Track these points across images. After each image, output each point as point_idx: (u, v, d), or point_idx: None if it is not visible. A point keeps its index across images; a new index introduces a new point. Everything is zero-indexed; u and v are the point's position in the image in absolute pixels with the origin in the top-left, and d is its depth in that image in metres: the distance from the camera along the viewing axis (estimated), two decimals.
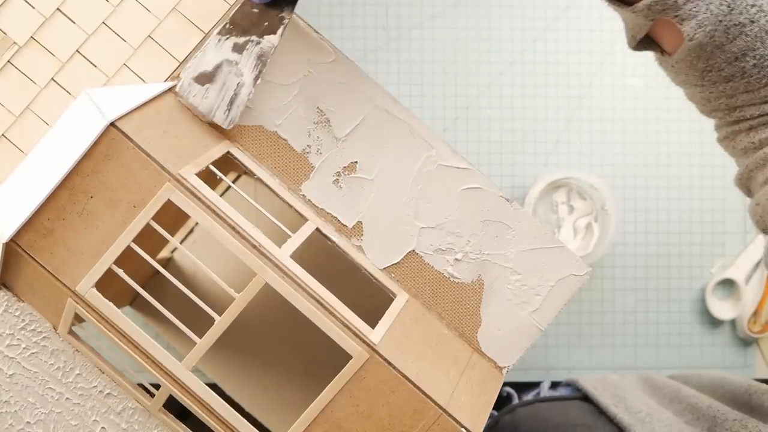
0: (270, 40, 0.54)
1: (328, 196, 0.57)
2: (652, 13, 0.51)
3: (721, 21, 0.50)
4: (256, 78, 0.54)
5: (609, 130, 0.91)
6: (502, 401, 0.83)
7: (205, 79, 0.54)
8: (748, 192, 0.59)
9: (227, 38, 0.55)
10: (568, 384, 0.81)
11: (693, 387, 0.72)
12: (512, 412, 0.77)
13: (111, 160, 0.49)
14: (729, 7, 0.50)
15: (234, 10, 0.56)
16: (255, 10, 0.56)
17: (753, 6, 0.50)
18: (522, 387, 0.86)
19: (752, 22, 0.50)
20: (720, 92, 0.54)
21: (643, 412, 0.69)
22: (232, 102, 0.53)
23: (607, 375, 0.79)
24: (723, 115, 0.56)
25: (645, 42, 0.55)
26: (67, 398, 0.54)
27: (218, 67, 0.54)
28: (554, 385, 0.84)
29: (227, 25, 0.55)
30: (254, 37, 0.54)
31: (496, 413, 0.79)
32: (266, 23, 0.55)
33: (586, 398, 0.76)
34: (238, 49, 0.54)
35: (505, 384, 0.82)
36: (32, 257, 0.50)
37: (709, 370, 0.74)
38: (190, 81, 0.54)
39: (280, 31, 0.54)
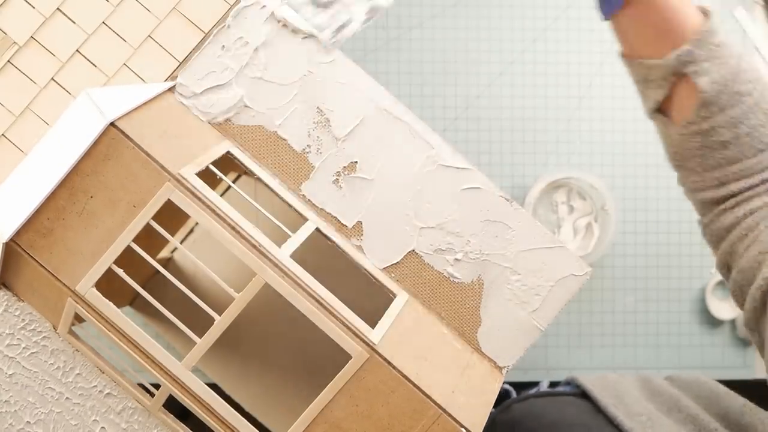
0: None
1: (328, 196, 0.57)
2: (679, 65, 0.58)
3: (726, 84, 0.58)
4: (365, 22, 0.56)
5: (609, 130, 0.91)
6: (499, 397, 0.83)
7: (320, 4, 0.56)
8: (728, 272, 0.62)
9: None
10: (568, 383, 0.81)
11: (692, 398, 0.72)
12: (508, 410, 0.77)
13: (111, 160, 0.49)
14: (734, 74, 0.58)
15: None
16: None
17: (750, 82, 0.58)
18: (521, 387, 0.86)
19: (749, 94, 0.58)
20: (717, 161, 0.60)
21: (644, 416, 0.69)
22: (340, 29, 0.55)
23: (607, 374, 0.79)
24: (712, 192, 0.61)
25: (657, 112, 0.62)
26: (67, 398, 0.54)
27: (333, 1, 0.56)
28: (553, 385, 0.84)
29: None
30: None
31: (494, 410, 0.79)
32: None
33: (583, 395, 0.75)
34: None
35: (505, 383, 0.82)
36: (32, 257, 0.50)
37: (707, 379, 0.74)
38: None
39: None
